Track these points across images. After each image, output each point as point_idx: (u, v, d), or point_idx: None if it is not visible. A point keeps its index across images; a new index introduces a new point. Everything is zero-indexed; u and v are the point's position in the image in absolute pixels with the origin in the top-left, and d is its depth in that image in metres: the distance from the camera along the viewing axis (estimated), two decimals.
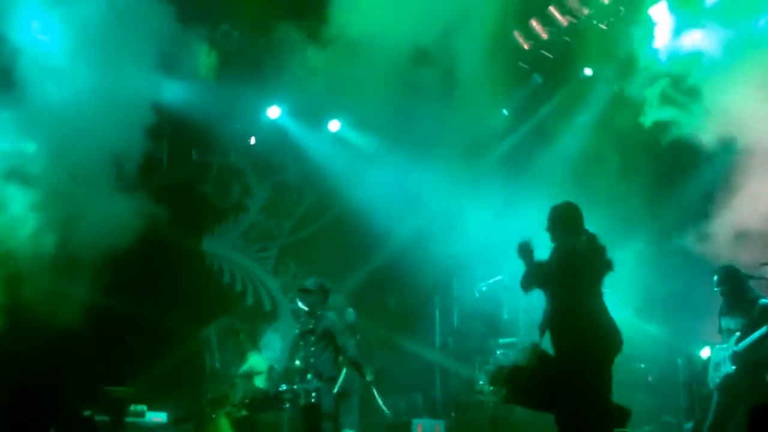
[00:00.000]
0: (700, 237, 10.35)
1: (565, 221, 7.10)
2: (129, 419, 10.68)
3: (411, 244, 13.02)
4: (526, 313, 11.27)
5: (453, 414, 12.30)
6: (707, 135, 10.18)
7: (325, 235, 14.10)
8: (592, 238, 7.04)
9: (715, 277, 8.94)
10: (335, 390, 9.00)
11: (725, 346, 8.85)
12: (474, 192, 12.58)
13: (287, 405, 9.44)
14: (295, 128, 13.17)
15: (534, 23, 12.37)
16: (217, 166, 13.76)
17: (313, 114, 13.12)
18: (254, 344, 11.75)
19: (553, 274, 6.90)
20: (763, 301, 8.70)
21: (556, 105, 13.08)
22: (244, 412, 10.64)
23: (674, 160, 11.31)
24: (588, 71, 12.64)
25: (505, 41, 12.30)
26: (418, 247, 12.89)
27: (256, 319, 13.29)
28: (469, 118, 12.25)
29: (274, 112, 13.00)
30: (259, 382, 11.07)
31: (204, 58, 11.72)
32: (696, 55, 10.44)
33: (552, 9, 12.12)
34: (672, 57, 10.72)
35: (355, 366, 9.30)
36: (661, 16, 10.94)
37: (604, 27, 11.96)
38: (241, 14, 11.62)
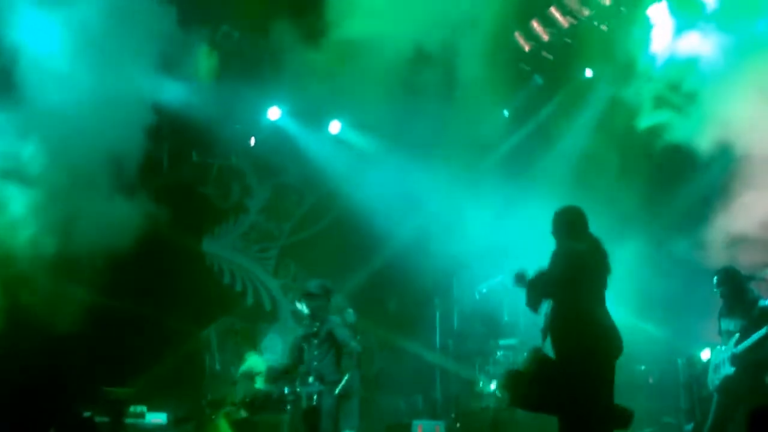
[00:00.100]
0: (700, 238, 10.35)
1: (568, 225, 7.10)
2: (129, 420, 10.68)
3: (411, 245, 13.01)
4: (526, 314, 11.16)
5: (453, 415, 12.29)
6: (703, 139, 10.20)
7: (325, 236, 14.08)
8: (595, 242, 7.04)
9: (715, 279, 8.95)
10: (336, 392, 8.98)
11: (724, 347, 8.85)
12: (474, 193, 12.57)
13: (288, 407, 9.43)
14: (295, 129, 13.15)
15: (535, 24, 12.36)
16: (218, 167, 13.74)
17: (313, 115, 13.11)
18: (253, 345, 11.72)
19: (554, 277, 6.89)
20: (762, 302, 8.70)
21: (556, 106, 13.08)
22: (243, 413, 10.63)
23: (672, 162, 11.31)
24: (588, 72, 12.65)
25: (506, 42, 12.30)
26: (418, 248, 12.88)
27: (256, 320, 13.27)
28: (469, 119, 12.25)
29: (274, 113, 12.99)
30: (258, 382, 11.06)
31: (204, 58, 11.70)
32: (693, 60, 10.46)
33: (553, 10, 12.12)
34: (669, 61, 10.75)
35: (356, 357, 9.25)
36: (659, 18, 10.95)
37: (604, 28, 11.96)
38: (241, 15, 11.61)
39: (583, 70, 12.66)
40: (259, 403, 10.40)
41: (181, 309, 12.33)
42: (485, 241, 12.23)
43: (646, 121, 11.01)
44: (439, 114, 12.24)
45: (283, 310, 13.79)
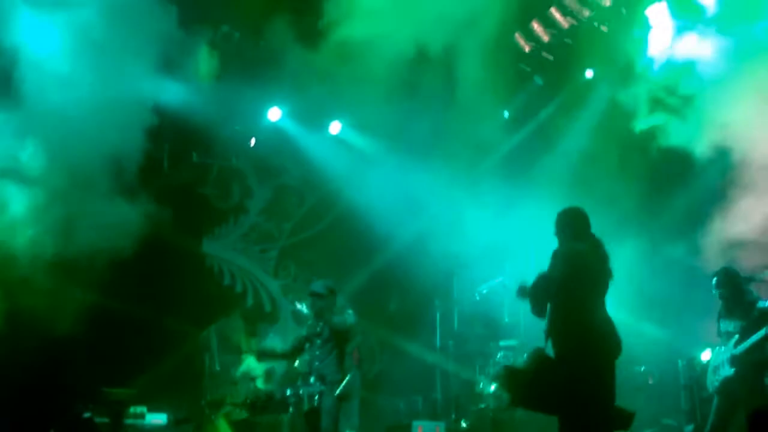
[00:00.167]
0: (699, 239, 10.36)
1: (570, 226, 7.13)
2: (129, 421, 10.69)
3: (411, 246, 13.01)
4: (526, 315, 11.23)
5: (453, 416, 12.29)
6: (700, 142, 10.22)
7: (325, 236, 14.07)
8: (596, 243, 7.05)
9: (714, 280, 8.94)
10: (337, 393, 8.97)
11: (724, 349, 8.84)
12: (475, 194, 12.58)
13: (291, 409, 9.43)
14: (295, 130, 13.15)
15: (535, 25, 12.36)
16: (218, 167, 13.73)
17: (313, 116, 13.10)
18: (251, 345, 11.71)
19: (554, 279, 6.90)
20: (761, 303, 8.69)
21: (556, 107, 13.08)
22: (243, 414, 10.63)
23: (672, 164, 11.32)
24: (589, 73, 12.64)
25: (506, 43, 12.29)
26: (418, 249, 12.89)
27: (256, 321, 13.25)
28: (469, 120, 12.24)
29: (274, 113, 12.98)
30: (257, 383, 11.06)
31: (204, 59, 11.69)
32: (690, 63, 10.47)
33: (553, 10, 12.11)
34: (667, 64, 10.75)
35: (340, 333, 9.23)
36: (658, 20, 10.96)
37: (605, 29, 11.96)
38: (241, 15, 11.60)
39: (584, 71, 12.67)
40: (260, 404, 10.39)
41: (181, 310, 12.31)
42: (485, 241, 12.24)
43: (643, 123, 11.02)
44: (439, 114, 12.24)
45: (283, 310, 13.78)
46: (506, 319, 12.22)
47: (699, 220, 10.57)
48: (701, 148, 10.26)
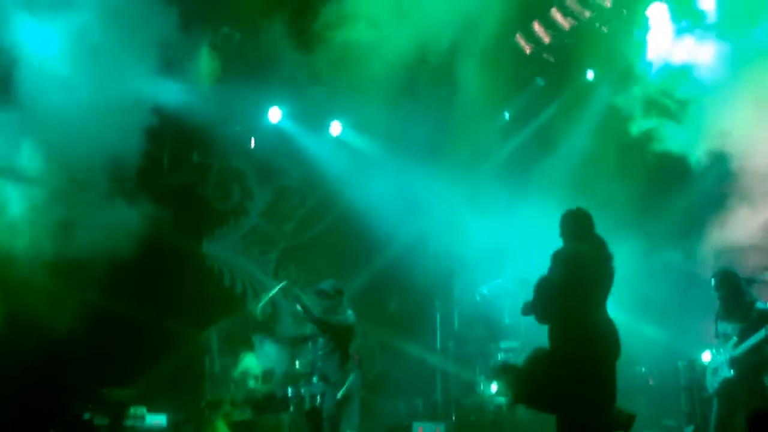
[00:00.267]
0: (699, 240, 10.37)
1: (573, 227, 7.16)
2: (128, 422, 10.67)
3: (412, 247, 13.01)
4: (527, 317, 11.22)
5: (453, 417, 12.28)
6: (697, 146, 10.23)
7: (325, 238, 14.05)
8: (599, 244, 7.05)
9: (713, 281, 8.94)
10: (339, 395, 8.96)
11: (723, 350, 8.84)
12: (475, 194, 12.57)
13: (291, 408, 9.42)
14: (295, 131, 13.13)
15: (536, 26, 12.35)
16: (218, 168, 13.71)
17: (313, 117, 13.09)
18: (249, 346, 11.70)
19: (553, 282, 6.92)
20: (759, 304, 8.69)
21: (558, 108, 13.07)
22: (242, 414, 10.62)
23: (669, 166, 11.32)
24: (590, 74, 12.63)
25: (507, 44, 12.29)
26: (419, 250, 12.88)
27: (256, 322, 13.23)
28: (470, 121, 12.24)
29: (274, 114, 12.97)
30: (254, 383, 11.05)
31: (205, 60, 11.69)
32: (688, 68, 10.48)
33: (554, 11, 12.10)
34: (664, 68, 10.76)
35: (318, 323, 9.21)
36: (657, 24, 10.96)
37: (605, 30, 11.94)
38: (242, 16, 11.60)
39: (585, 73, 12.66)
40: (261, 404, 10.40)
41: (181, 311, 12.30)
42: (486, 243, 12.23)
43: (639, 126, 11.04)
44: (439, 115, 12.24)
45: (283, 312, 13.76)
46: (507, 321, 12.19)
47: (698, 222, 10.58)
48: (698, 152, 10.28)
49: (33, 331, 9.87)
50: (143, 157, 10.71)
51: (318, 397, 8.99)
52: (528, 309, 7.15)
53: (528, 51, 12.60)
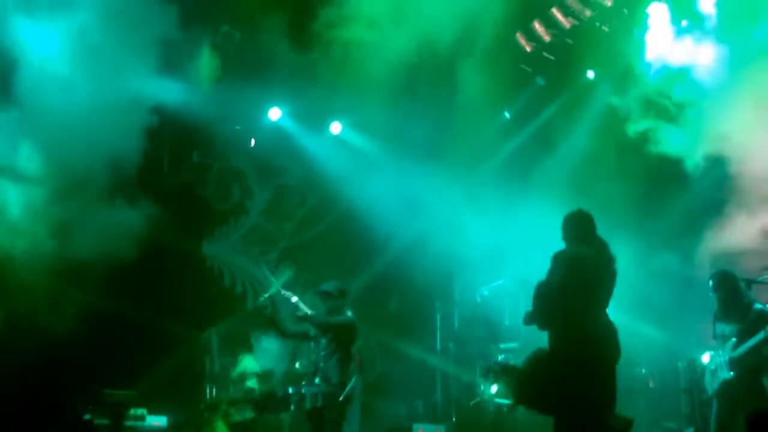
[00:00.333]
0: (699, 241, 10.36)
1: (575, 229, 7.16)
2: (129, 423, 10.64)
3: (412, 247, 12.99)
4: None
5: (454, 419, 12.26)
6: (694, 148, 10.22)
7: (325, 238, 14.02)
8: (601, 246, 7.04)
9: (711, 282, 8.92)
10: (342, 397, 8.95)
11: (721, 351, 8.82)
12: (476, 195, 12.55)
13: (292, 408, 9.40)
14: (296, 130, 13.11)
15: (536, 25, 12.33)
16: (218, 168, 13.69)
17: (314, 116, 13.07)
18: (247, 347, 11.68)
19: (552, 287, 6.91)
20: (757, 305, 8.68)
21: (558, 108, 13.04)
22: (241, 416, 10.61)
23: (668, 167, 11.30)
24: (590, 74, 12.61)
25: (508, 43, 12.27)
26: (419, 250, 12.86)
27: (256, 323, 13.21)
28: (470, 121, 12.23)
29: (275, 113, 12.96)
30: (252, 383, 11.04)
31: (205, 59, 11.68)
32: (686, 70, 10.47)
33: (554, 10, 12.08)
34: (663, 69, 10.75)
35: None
36: (656, 25, 10.95)
37: (606, 29, 11.92)
38: (242, 16, 11.59)
39: (585, 72, 12.64)
40: (262, 403, 10.38)
41: (181, 311, 12.28)
42: (487, 244, 12.21)
43: (637, 127, 11.04)
44: (440, 116, 12.22)
45: (282, 309, 13.70)
46: (507, 322, 12.17)
47: (697, 223, 10.56)
48: (696, 155, 10.28)
49: (33, 332, 9.87)
50: (143, 157, 10.69)
51: (319, 398, 8.95)
52: (529, 318, 7.13)
53: (529, 50, 12.58)
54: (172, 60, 10.84)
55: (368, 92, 11.35)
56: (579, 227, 7.12)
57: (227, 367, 11.63)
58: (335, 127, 13.30)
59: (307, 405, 9.04)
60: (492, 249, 12.25)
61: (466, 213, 12.50)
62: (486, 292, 11.86)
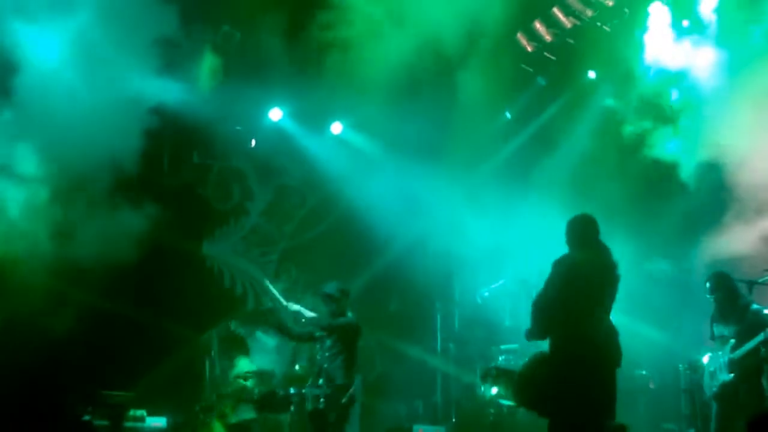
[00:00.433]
0: (699, 241, 10.35)
1: (577, 234, 7.19)
2: (128, 424, 10.63)
3: (413, 248, 12.97)
4: (528, 319, 11.18)
5: (454, 420, 12.25)
6: (692, 150, 10.22)
7: (326, 238, 13.98)
8: (602, 251, 7.03)
9: (708, 284, 8.92)
10: (344, 400, 8.93)
11: (720, 353, 8.81)
12: (476, 196, 12.54)
13: (293, 408, 9.39)
14: (296, 130, 13.10)
15: (537, 25, 12.31)
16: (218, 168, 13.67)
17: (314, 116, 13.06)
18: (245, 348, 11.67)
19: (550, 296, 6.92)
20: (754, 306, 8.67)
21: (559, 108, 13.03)
22: (239, 416, 10.61)
23: (665, 170, 11.29)
24: (592, 74, 12.60)
25: (509, 43, 12.25)
26: (420, 252, 12.84)
27: (256, 324, 13.20)
28: (470, 121, 12.21)
29: (275, 114, 12.95)
30: (250, 383, 11.03)
31: (205, 59, 11.68)
32: (684, 74, 10.46)
33: (555, 10, 12.06)
34: (661, 72, 10.74)
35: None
36: (656, 28, 10.95)
37: (607, 29, 11.91)
38: (242, 16, 11.58)
39: (586, 72, 12.62)
40: (262, 402, 10.37)
41: (181, 312, 12.26)
42: (487, 245, 12.20)
43: (634, 129, 11.03)
44: (440, 116, 12.20)
45: (283, 313, 13.69)
46: (507, 323, 12.15)
47: (697, 224, 10.55)
48: (693, 158, 10.29)
49: (33, 332, 9.86)
50: (143, 158, 10.69)
51: (321, 399, 8.94)
52: (530, 335, 7.15)
53: (530, 50, 12.56)
54: (172, 60, 10.83)
55: (369, 92, 11.34)
56: (583, 231, 7.13)
57: (226, 369, 11.62)
58: (336, 128, 13.29)
59: (309, 406, 9.04)
60: (492, 249, 12.24)
61: (466, 213, 12.49)
62: (486, 293, 11.84)
